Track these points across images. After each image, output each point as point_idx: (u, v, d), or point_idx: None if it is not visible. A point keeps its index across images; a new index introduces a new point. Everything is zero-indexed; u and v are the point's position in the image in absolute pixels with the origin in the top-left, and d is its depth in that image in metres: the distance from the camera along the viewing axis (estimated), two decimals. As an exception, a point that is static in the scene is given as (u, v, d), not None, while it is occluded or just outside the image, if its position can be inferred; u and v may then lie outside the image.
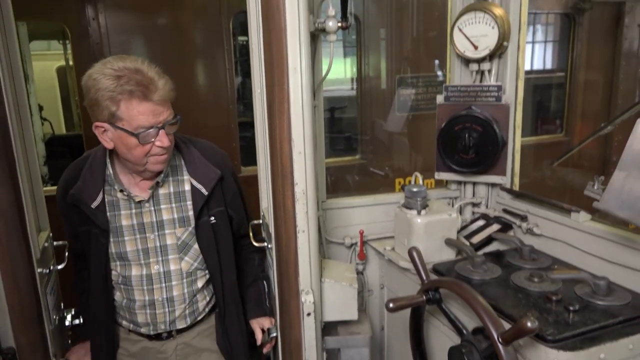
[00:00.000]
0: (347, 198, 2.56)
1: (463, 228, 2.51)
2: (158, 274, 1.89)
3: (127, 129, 1.64)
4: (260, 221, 2.20)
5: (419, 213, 2.22)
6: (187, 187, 1.90)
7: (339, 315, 2.04)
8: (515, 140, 2.41)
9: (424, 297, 1.83)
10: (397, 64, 4.76)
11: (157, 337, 1.98)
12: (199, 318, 2.02)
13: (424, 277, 1.89)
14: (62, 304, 2.07)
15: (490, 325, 1.49)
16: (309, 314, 1.84)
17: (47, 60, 6.60)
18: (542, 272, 1.95)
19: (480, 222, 2.52)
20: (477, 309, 1.55)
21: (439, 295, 1.83)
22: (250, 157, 3.89)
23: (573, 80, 5.46)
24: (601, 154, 5.45)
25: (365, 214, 2.54)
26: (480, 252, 2.30)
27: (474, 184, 2.58)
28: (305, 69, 1.63)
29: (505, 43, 2.28)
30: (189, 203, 1.90)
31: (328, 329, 2.10)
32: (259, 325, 2.10)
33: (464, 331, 1.77)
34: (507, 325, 1.51)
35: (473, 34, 2.31)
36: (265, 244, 2.12)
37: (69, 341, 2.11)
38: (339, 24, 1.95)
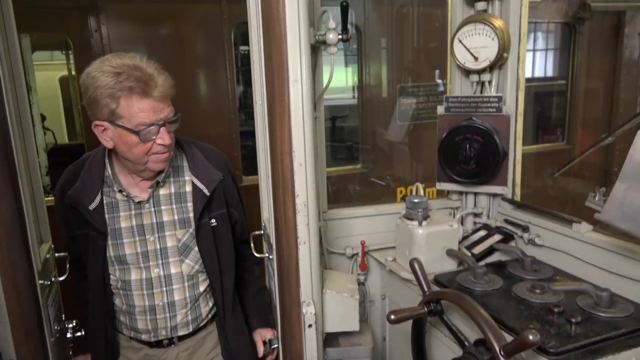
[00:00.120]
0: (348, 208, 2.56)
1: (464, 238, 2.51)
2: (158, 277, 1.85)
3: (128, 126, 1.61)
4: (262, 232, 2.20)
5: (420, 224, 2.22)
6: (189, 188, 1.87)
7: (341, 326, 2.03)
8: (516, 150, 2.41)
9: (426, 309, 1.82)
10: (398, 73, 4.78)
11: (158, 344, 1.93)
12: (201, 325, 1.97)
13: (426, 289, 1.89)
14: (63, 316, 2.06)
15: (492, 337, 1.48)
16: (310, 326, 1.83)
17: (50, 70, 6.62)
18: (544, 283, 1.94)
19: (482, 233, 2.51)
20: (479, 321, 1.54)
21: (441, 307, 1.83)
22: (251, 166, 3.89)
23: (574, 88, 5.47)
24: (602, 163, 5.45)
25: (366, 224, 2.54)
26: (482, 263, 2.30)
27: (476, 194, 2.58)
28: (306, 81, 1.64)
29: (505, 54, 2.29)
30: (190, 204, 1.87)
31: (329, 340, 2.09)
32: (261, 336, 2.08)
33: (466, 343, 1.76)
34: (508, 338, 1.51)
35: (473, 46, 2.32)
36: (266, 254, 2.12)
37: (70, 352, 2.10)
38: (340, 36, 1.96)
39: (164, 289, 1.86)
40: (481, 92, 2.44)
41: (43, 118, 5.28)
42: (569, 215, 2.12)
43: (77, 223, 1.82)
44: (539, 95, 5.92)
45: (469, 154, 2.36)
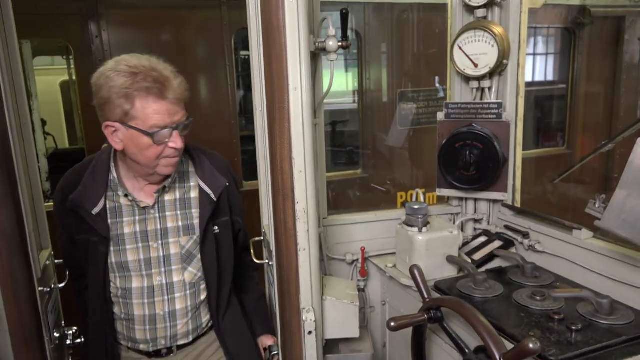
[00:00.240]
0: (348, 215, 2.56)
1: (465, 244, 2.50)
2: (160, 286, 1.81)
3: (141, 128, 1.59)
4: (262, 238, 2.20)
5: (420, 230, 2.21)
6: (194, 194, 1.85)
7: (341, 333, 2.02)
8: (517, 157, 2.41)
9: (426, 316, 1.82)
10: (398, 78, 4.79)
11: (157, 353, 1.90)
12: (201, 333, 1.95)
13: (426, 296, 1.88)
14: (63, 323, 2.06)
15: (492, 345, 1.48)
16: (310, 332, 1.82)
17: (51, 75, 6.64)
18: (545, 290, 1.94)
19: (482, 239, 2.51)
20: (479, 329, 1.54)
21: (441, 314, 1.82)
22: (252, 171, 3.89)
23: (574, 93, 5.48)
24: (603, 168, 5.44)
25: (366, 230, 2.54)
26: (482, 269, 2.30)
27: (476, 200, 2.58)
28: (306, 88, 1.64)
29: (505, 61, 2.29)
30: (195, 211, 1.84)
31: (329, 346, 2.09)
32: (261, 343, 2.08)
33: (466, 350, 1.76)
34: (509, 345, 1.50)
35: (473, 52, 2.32)
36: (266, 261, 2.12)
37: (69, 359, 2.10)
38: (340, 43, 1.96)
39: (166, 297, 1.83)
40: (481, 98, 2.45)
41: (44, 123, 5.29)
42: (570, 221, 2.12)
43: (77, 228, 1.78)
44: (540, 99, 5.92)
45: (469, 160, 2.36)
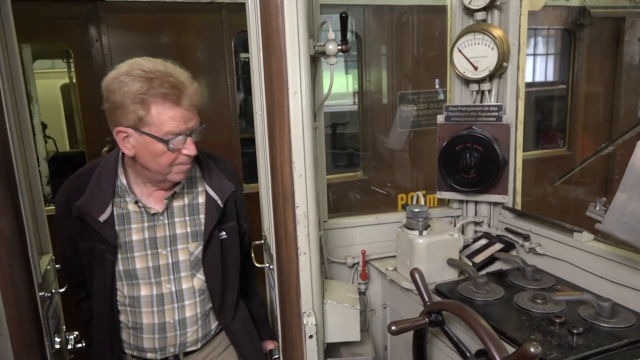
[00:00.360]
0: (349, 218, 2.56)
1: (465, 247, 2.50)
2: (170, 293, 1.76)
3: (156, 134, 1.54)
4: (262, 241, 2.20)
5: (420, 233, 2.21)
6: (202, 200, 1.81)
7: (341, 336, 2.03)
8: (517, 159, 2.41)
9: (427, 320, 1.82)
10: (398, 80, 4.79)
11: None
12: (209, 340, 1.91)
13: (426, 299, 1.88)
14: (64, 327, 2.06)
15: (493, 349, 1.47)
16: (311, 336, 1.83)
17: (51, 78, 6.64)
18: (546, 293, 1.94)
19: (483, 241, 2.51)
20: (480, 333, 1.54)
21: (442, 318, 1.82)
22: (252, 174, 3.90)
23: (575, 94, 5.48)
24: (603, 169, 5.44)
25: (367, 233, 2.54)
26: (483, 272, 2.29)
27: (476, 202, 2.58)
28: (306, 92, 1.65)
29: (504, 64, 2.29)
30: (203, 216, 1.80)
31: (330, 350, 2.08)
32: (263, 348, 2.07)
33: (467, 354, 1.76)
34: (510, 349, 1.50)
35: (473, 55, 2.32)
36: (267, 264, 2.12)
37: (70, 365, 2.09)
38: (339, 47, 1.96)
39: (176, 305, 1.78)
40: (481, 101, 2.45)
41: (44, 126, 5.29)
42: (570, 223, 2.12)
43: (82, 235, 1.72)
44: (540, 100, 5.93)
45: (469, 163, 2.35)
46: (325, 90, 2.21)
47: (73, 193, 1.72)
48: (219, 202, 1.80)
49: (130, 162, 1.71)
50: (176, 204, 1.78)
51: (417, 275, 1.93)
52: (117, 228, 1.71)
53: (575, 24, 5.29)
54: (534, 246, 2.26)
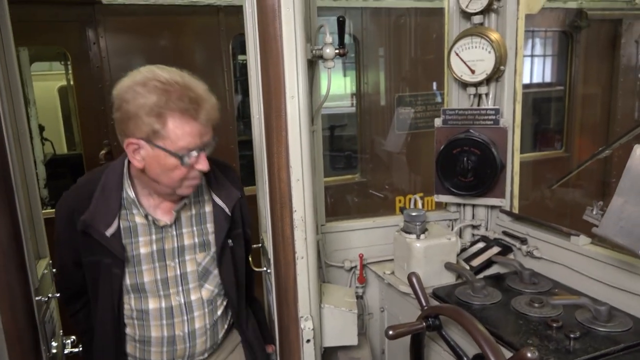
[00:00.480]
0: (347, 221, 2.56)
1: (463, 250, 2.50)
2: (179, 305, 1.71)
3: (170, 149, 1.48)
4: (260, 245, 2.20)
5: (418, 237, 2.21)
6: (209, 209, 1.76)
7: (339, 340, 2.03)
8: (514, 162, 2.41)
9: (424, 324, 1.82)
10: (395, 82, 4.80)
11: None
12: (216, 349, 1.88)
13: (424, 303, 1.88)
14: (61, 332, 2.05)
15: (491, 354, 1.47)
16: (308, 341, 1.83)
17: (49, 81, 6.63)
18: (543, 296, 1.94)
19: (480, 245, 2.51)
20: (478, 338, 1.53)
21: (439, 322, 1.82)
22: (250, 176, 3.90)
23: (572, 96, 5.50)
24: (601, 171, 5.45)
25: (364, 237, 2.54)
26: (480, 275, 2.29)
27: (474, 206, 2.58)
28: (303, 96, 1.65)
29: (502, 67, 2.29)
30: (209, 225, 1.75)
31: (328, 354, 2.09)
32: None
33: (465, 358, 1.76)
34: (507, 353, 1.50)
35: (470, 59, 2.32)
36: (264, 268, 2.12)
37: (67, 369, 2.08)
38: (337, 51, 1.96)
39: (185, 317, 1.73)
40: (478, 104, 2.45)
41: (42, 129, 5.29)
42: (568, 227, 2.12)
43: (86, 249, 1.65)
44: (537, 101, 5.94)
45: (466, 167, 2.36)
46: (323, 93, 2.21)
47: (76, 206, 1.65)
48: (227, 210, 1.75)
49: (137, 174, 1.64)
50: (184, 214, 1.73)
51: (414, 279, 1.93)
52: (124, 241, 1.65)
53: (573, 26, 5.31)
54: (531, 250, 2.27)
